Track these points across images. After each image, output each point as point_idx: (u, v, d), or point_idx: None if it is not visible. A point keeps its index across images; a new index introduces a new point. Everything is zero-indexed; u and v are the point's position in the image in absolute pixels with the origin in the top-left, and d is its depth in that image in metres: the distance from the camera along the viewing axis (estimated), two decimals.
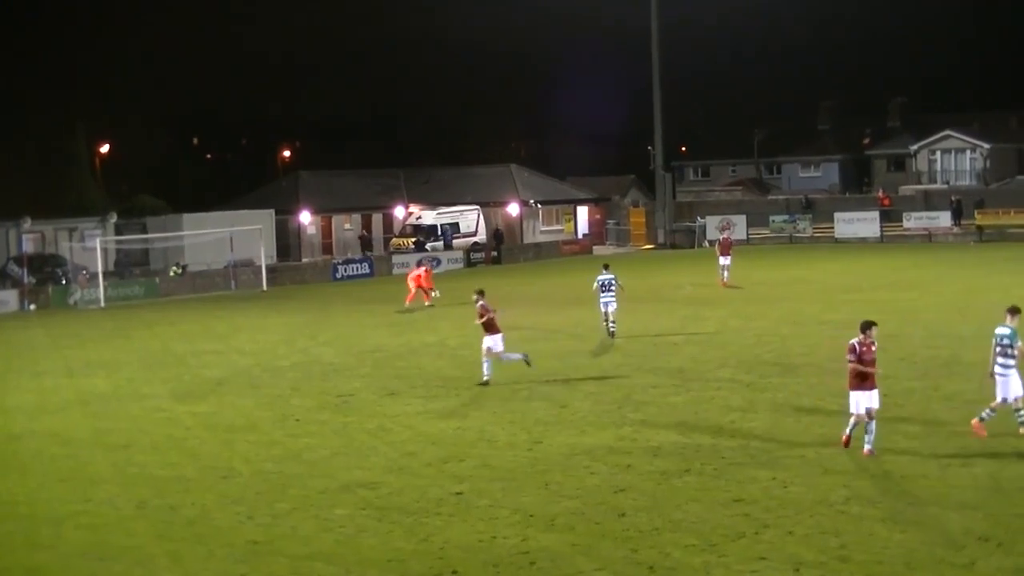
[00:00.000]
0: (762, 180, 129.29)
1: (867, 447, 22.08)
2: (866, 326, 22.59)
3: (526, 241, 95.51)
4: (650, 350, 37.45)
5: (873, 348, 22.49)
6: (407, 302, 52.97)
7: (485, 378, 31.96)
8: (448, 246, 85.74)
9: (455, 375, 33.80)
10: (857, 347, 22.37)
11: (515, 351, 32.90)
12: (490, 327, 32.04)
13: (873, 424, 22.22)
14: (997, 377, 23.42)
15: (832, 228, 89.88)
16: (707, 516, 18.88)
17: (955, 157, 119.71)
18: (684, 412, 27.22)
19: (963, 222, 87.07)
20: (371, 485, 21.89)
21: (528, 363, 32.74)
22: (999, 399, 23.41)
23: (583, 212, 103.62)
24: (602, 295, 40.64)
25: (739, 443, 23.77)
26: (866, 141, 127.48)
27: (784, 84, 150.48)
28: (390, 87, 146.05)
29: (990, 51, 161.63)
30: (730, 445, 23.62)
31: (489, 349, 32.09)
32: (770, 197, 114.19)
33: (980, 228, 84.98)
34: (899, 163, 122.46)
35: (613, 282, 40.65)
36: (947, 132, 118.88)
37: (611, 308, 40.52)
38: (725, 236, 62.70)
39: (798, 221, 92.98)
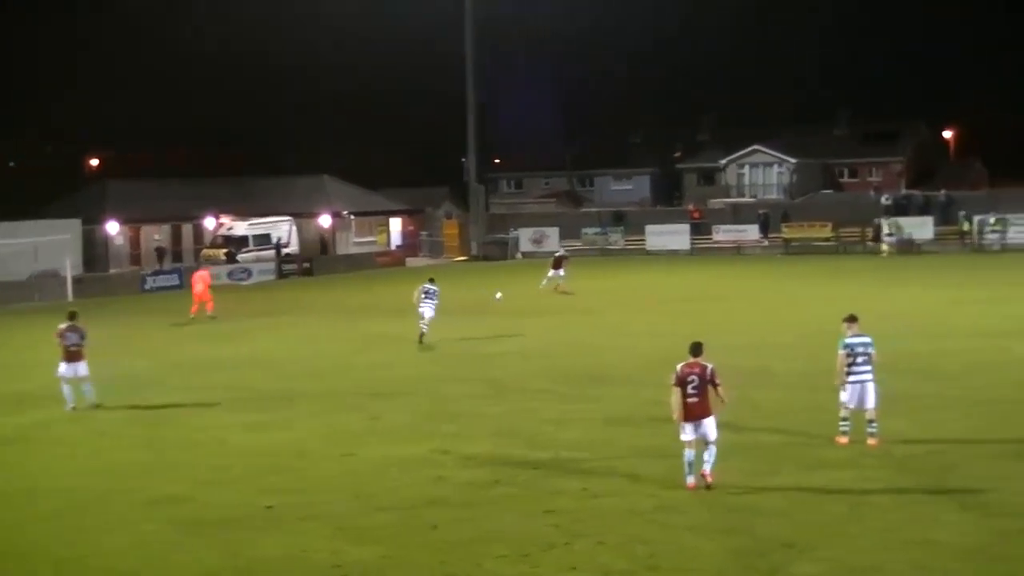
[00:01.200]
0: (575, 192, 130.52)
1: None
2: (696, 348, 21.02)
3: (339, 252, 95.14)
4: (465, 361, 37.53)
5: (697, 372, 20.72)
6: (208, 310, 52.68)
7: (71, 405, 30.77)
8: (279, 254, 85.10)
9: (268, 387, 33.48)
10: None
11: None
12: (70, 354, 30.65)
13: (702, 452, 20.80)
14: (856, 385, 23.45)
15: (643, 240, 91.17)
16: (519, 527, 18.93)
17: (763, 171, 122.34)
18: (497, 423, 27.29)
19: (771, 235, 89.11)
20: (182, 499, 21.51)
21: (73, 408, 30.69)
22: (853, 406, 23.58)
23: (396, 223, 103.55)
24: (424, 300, 41.56)
25: (551, 454, 23.88)
26: (677, 155, 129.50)
27: (597, 98, 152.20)
28: (203, 95, 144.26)
29: (796, 67, 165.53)
30: (542, 456, 23.71)
31: (63, 376, 30.85)
32: (583, 209, 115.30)
33: (787, 241, 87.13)
34: (709, 177, 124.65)
35: (433, 292, 41.72)
36: (755, 147, 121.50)
37: (428, 313, 41.46)
38: (559, 253, 64.19)
39: (610, 233, 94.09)
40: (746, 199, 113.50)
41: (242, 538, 19.00)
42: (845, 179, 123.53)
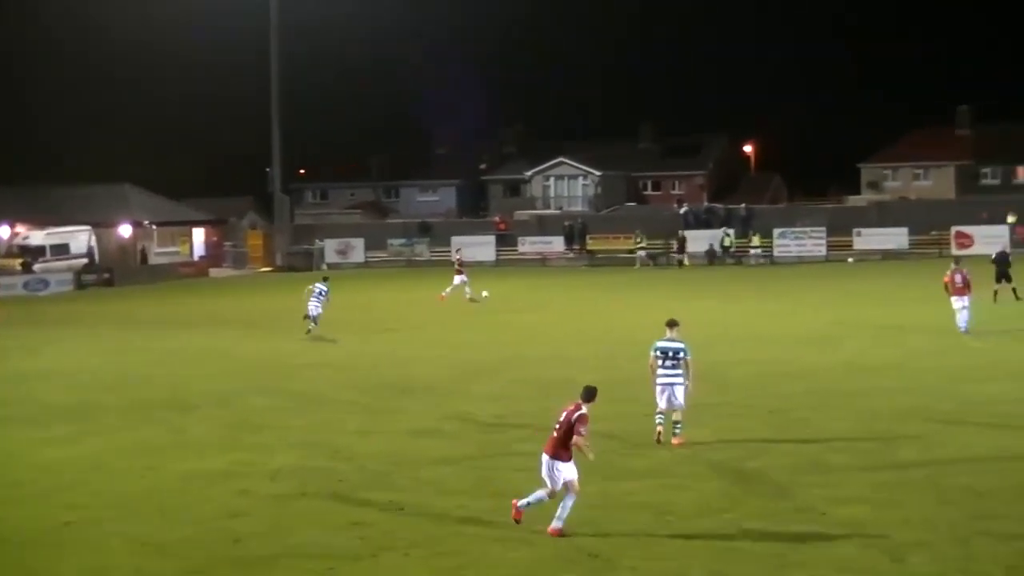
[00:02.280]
0: (380, 204, 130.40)
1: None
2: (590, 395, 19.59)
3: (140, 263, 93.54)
4: (269, 373, 37.12)
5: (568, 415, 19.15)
6: None
7: None
8: (92, 262, 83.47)
9: (66, 401, 32.68)
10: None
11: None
12: None
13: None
14: (667, 387, 24.49)
15: (449, 252, 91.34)
16: (324, 540, 18.77)
17: (568, 183, 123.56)
18: (302, 435, 27.05)
19: (575, 246, 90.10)
20: None
21: None
22: (663, 407, 24.63)
23: (200, 233, 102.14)
24: (312, 298, 45.13)
25: (357, 465, 23.75)
26: (483, 167, 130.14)
27: (403, 109, 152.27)
28: None
29: (602, 81, 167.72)
30: (348, 468, 23.57)
31: None
32: (388, 220, 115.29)
33: (591, 252, 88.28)
34: (515, 188, 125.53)
35: (323, 292, 45.20)
36: (560, 159, 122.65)
37: (313, 311, 45.13)
38: (458, 257, 64.23)
39: (416, 245, 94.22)
40: (552, 211, 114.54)
41: (40, 556, 18.52)
42: (649, 192, 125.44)
